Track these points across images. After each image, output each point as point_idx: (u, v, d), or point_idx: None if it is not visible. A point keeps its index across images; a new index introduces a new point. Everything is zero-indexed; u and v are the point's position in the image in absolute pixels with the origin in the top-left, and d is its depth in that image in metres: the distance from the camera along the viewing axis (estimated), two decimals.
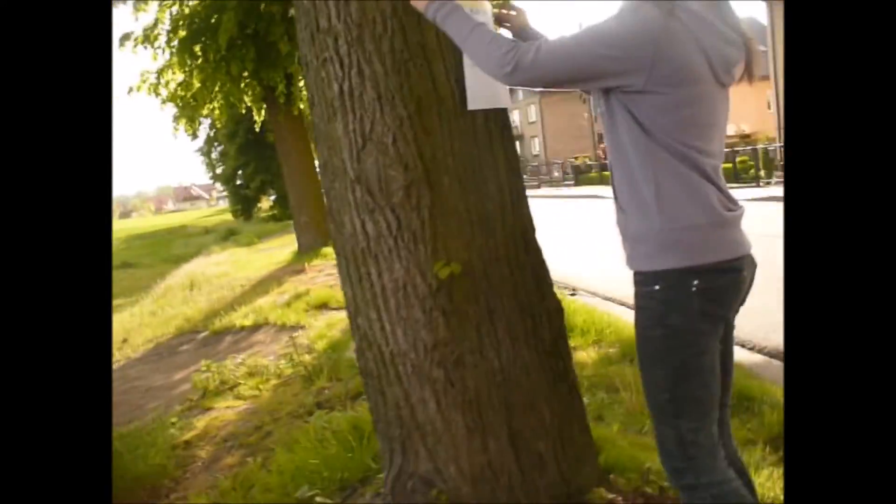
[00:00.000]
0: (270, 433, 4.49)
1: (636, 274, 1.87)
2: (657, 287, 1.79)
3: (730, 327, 1.94)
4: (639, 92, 1.75)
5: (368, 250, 2.21)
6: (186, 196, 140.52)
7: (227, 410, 5.20)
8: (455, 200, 2.17)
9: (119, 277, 17.58)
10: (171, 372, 6.87)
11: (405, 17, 2.06)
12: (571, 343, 5.46)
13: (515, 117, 53.17)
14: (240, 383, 5.71)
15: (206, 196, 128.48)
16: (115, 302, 13.08)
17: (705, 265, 1.76)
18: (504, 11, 2.42)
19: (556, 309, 2.44)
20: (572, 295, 7.37)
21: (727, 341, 1.95)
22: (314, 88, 2.25)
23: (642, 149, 1.79)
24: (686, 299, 1.76)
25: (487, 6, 2.27)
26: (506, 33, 2.41)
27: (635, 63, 1.71)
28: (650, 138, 1.77)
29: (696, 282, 1.75)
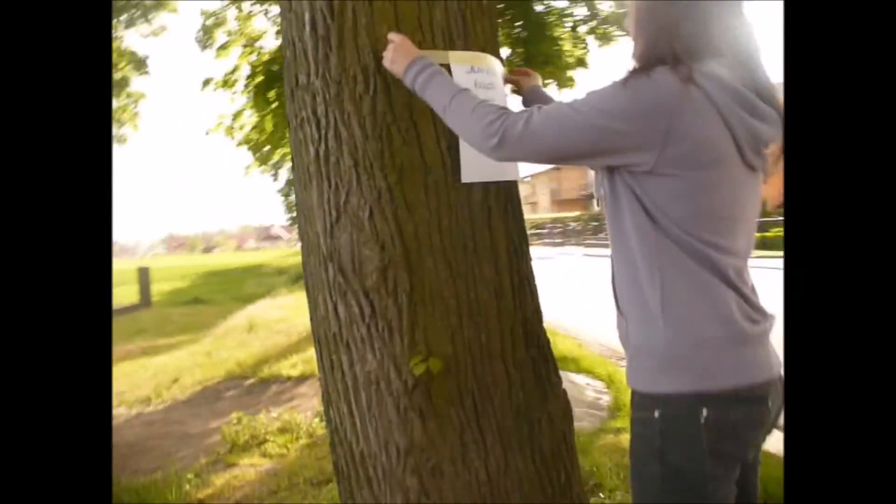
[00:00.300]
0: (284, 501, 4.25)
1: (633, 394, 1.54)
2: (657, 414, 1.45)
3: (750, 466, 1.59)
4: (648, 173, 1.45)
5: (340, 336, 1.94)
6: (266, 235, 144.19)
7: (249, 468, 5.00)
8: (440, 286, 1.88)
9: (187, 313, 17.83)
10: (210, 419, 6.73)
11: (390, 74, 1.80)
12: (616, 424, 5.10)
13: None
14: (268, 440, 5.50)
15: (286, 236, 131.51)
16: (176, 339, 13.23)
17: (719, 392, 1.41)
18: (514, 77, 2.16)
19: (562, 412, 2.12)
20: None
21: (748, 479, 1.59)
22: (294, 150, 2.02)
23: (649, 242, 1.47)
24: (692, 433, 1.42)
25: (494, 63, 2.01)
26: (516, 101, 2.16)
27: (644, 138, 1.41)
28: (659, 230, 1.46)
29: (705, 412, 1.41)
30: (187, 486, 4.63)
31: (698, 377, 1.42)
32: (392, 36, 1.80)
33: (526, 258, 2.09)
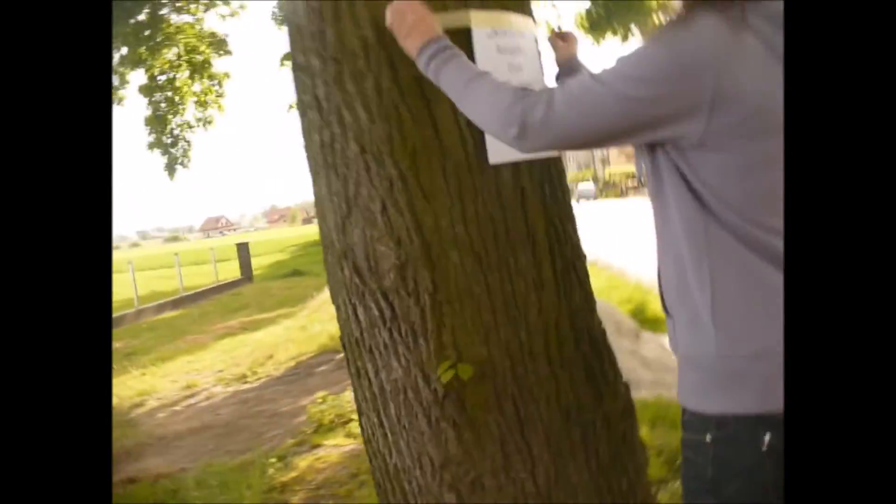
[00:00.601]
0: (364, 484, 4.18)
1: (683, 411, 1.29)
2: (709, 438, 1.21)
3: None
4: (696, 147, 1.18)
5: (362, 342, 1.76)
6: None
7: (332, 450, 4.97)
8: (468, 281, 1.66)
9: (286, 286, 18.19)
10: (301, 396, 6.78)
11: (394, 47, 1.56)
12: None
13: None
14: (353, 419, 5.46)
15: None
16: (274, 313, 13.48)
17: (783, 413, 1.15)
18: (556, 39, 1.90)
19: (622, 412, 1.88)
20: None
21: None
22: (303, 137, 1.83)
23: (697, 230, 1.21)
24: (751, 463, 1.16)
25: (522, 23, 1.74)
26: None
27: (687, 104, 1.14)
28: (709, 215, 1.19)
29: (768, 437, 1.15)
30: (271, 471, 4.64)
31: (759, 395, 1.16)
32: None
33: (571, 242, 1.85)
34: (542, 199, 1.77)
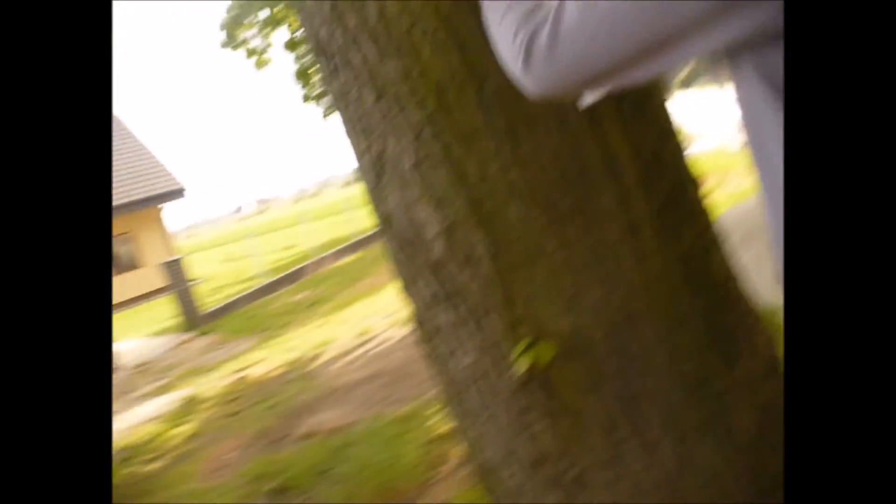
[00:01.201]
0: None
1: None
2: None
3: None
4: (775, 37, 0.77)
5: (425, 322, 1.47)
6: None
7: None
8: (536, 237, 1.31)
9: None
10: None
11: None
12: None
13: None
14: None
15: None
16: None
17: None
18: None
19: (763, 371, 1.48)
20: None
21: None
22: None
23: None
24: None
25: None
26: None
27: None
28: None
29: None
30: (433, 420, 4.56)
31: None
32: None
33: (673, 166, 1.43)
34: (622, 119, 1.37)
